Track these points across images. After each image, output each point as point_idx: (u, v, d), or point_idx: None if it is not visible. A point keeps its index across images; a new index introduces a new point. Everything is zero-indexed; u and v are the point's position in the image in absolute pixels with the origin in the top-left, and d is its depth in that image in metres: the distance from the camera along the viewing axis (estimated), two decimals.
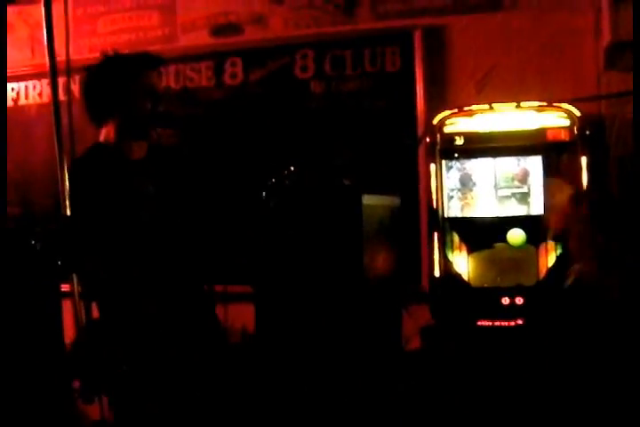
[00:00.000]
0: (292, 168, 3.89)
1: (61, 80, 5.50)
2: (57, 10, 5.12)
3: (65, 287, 4.24)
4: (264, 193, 3.91)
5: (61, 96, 5.37)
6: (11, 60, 5.89)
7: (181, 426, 3.22)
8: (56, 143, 3.43)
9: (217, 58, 5.42)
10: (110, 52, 3.37)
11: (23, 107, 5.95)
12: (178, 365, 3.21)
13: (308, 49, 5.18)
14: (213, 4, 5.46)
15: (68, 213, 3.30)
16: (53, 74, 3.46)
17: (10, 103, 5.96)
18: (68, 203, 3.32)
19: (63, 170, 3.32)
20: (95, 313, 3.37)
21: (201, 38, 5.49)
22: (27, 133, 5.78)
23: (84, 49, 5.70)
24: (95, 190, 3.16)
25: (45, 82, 5.65)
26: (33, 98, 5.89)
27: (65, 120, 4.28)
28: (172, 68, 5.48)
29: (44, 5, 4.17)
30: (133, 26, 5.67)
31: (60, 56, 5.09)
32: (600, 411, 3.63)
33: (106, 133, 3.33)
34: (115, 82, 3.27)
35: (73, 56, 5.45)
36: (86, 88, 3.40)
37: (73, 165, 3.36)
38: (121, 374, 3.14)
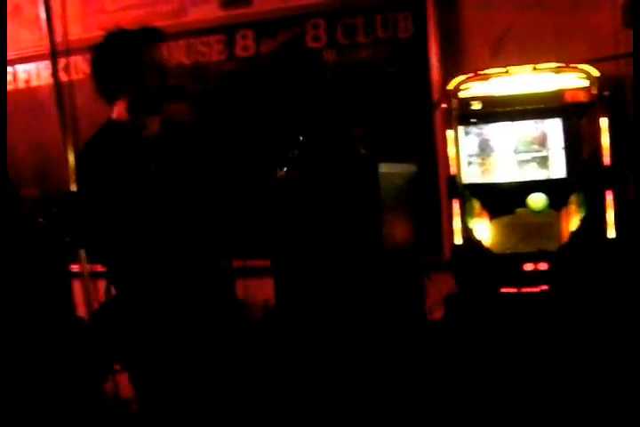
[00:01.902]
0: (301, 138, 3.83)
1: (73, 59, 5.53)
2: None
3: (75, 268, 4.26)
4: (276, 165, 3.87)
5: (72, 76, 5.38)
6: (21, 41, 5.89)
7: (204, 400, 3.20)
8: (59, 123, 3.39)
9: (227, 31, 5.36)
10: (114, 29, 3.34)
11: (36, 88, 5.91)
12: (195, 339, 3.18)
13: (320, 18, 5.11)
14: None
15: (74, 189, 3.26)
16: (53, 54, 3.42)
17: (22, 84, 5.94)
18: (75, 180, 3.27)
19: (67, 149, 3.28)
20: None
21: (210, 11, 5.42)
22: (40, 114, 5.75)
23: (93, 27, 5.64)
24: (106, 167, 3.14)
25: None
26: (45, 79, 5.84)
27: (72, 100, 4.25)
28: (182, 43, 5.42)
29: None
30: (141, 2, 5.60)
31: (71, 35, 5.08)
32: (630, 380, 3.59)
33: (118, 110, 3.31)
34: (120, 58, 3.24)
35: (82, 35, 5.45)
36: (93, 66, 3.37)
37: (85, 145, 3.32)
38: (134, 334, 3.13)
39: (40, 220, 3.04)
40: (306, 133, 4.00)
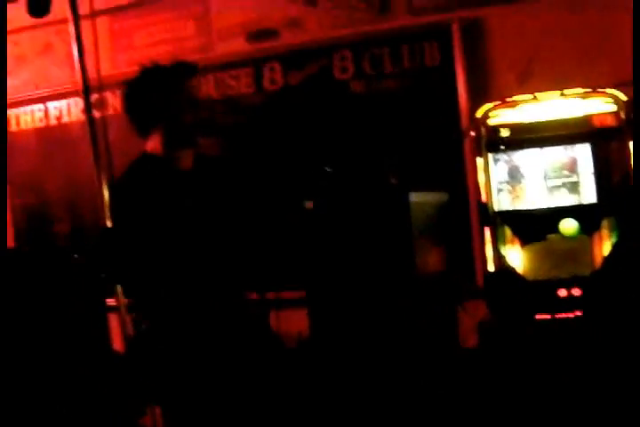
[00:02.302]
0: (328, 169, 3.86)
1: (104, 95, 5.61)
2: (96, 26, 5.19)
3: (110, 301, 4.29)
4: (304, 196, 3.90)
5: (103, 111, 5.45)
6: (52, 78, 5.98)
7: None
8: (93, 159, 3.43)
9: (255, 64, 5.42)
10: (148, 64, 3.39)
11: (68, 124, 5.99)
12: (229, 373, 3.19)
13: (346, 49, 5.15)
14: (248, 10, 5.44)
15: (109, 225, 3.29)
16: (86, 91, 3.47)
17: (54, 121, 6.03)
18: (108, 216, 3.31)
19: (101, 185, 3.32)
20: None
21: (238, 45, 5.48)
22: (72, 151, 5.82)
23: (123, 63, 5.74)
24: (142, 200, 3.17)
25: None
26: (76, 115, 5.91)
27: (107, 136, 4.30)
28: (210, 77, 5.49)
29: (74, 22, 4.19)
30: (170, 37, 5.68)
31: (101, 72, 5.14)
32: None
33: (152, 144, 3.35)
34: (155, 93, 3.28)
35: (112, 71, 5.52)
36: (128, 101, 3.41)
37: (120, 177, 3.36)
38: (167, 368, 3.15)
39: (75, 256, 3.07)
40: (334, 164, 4.02)
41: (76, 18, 3.69)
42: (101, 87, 4.94)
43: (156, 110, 3.30)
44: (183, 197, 3.26)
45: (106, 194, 3.28)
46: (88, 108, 3.37)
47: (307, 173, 4.32)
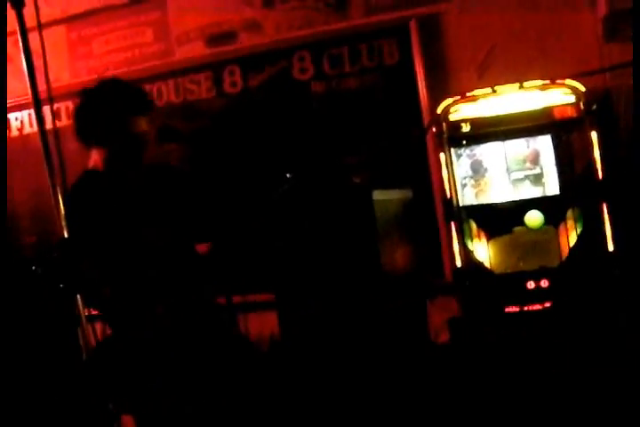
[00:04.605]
0: (288, 175, 3.85)
1: (64, 105, 5.58)
2: (53, 36, 5.16)
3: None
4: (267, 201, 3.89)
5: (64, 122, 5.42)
6: (12, 89, 5.93)
7: None
8: (47, 171, 3.39)
9: (215, 68, 5.39)
10: (106, 79, 3.34)
11: (29, 135, 5.94)
12: (199, 378, 3.17)
13: (305, 50, 5.15)
14: (205, 14, 5.42)
15: (66, 235, 3.26)
16: (37, 102, 3.43)
17: (15, 133, 5.98)
18: (65, 226, 3.28)
19: (57, 196, 3.29)
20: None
21: (197, 49, 5.46)
22: (35, 163, 5.76)
23: (83, 71, 5.69)
24: (90, 216, 3.14)
25: (47, 109, 5.63)
26: (36, 126, 5.86)
27: (64, 147, 4.24)
28: (171, 83, 5.46)
29: (20, 33, 4.15)
30: (128, 44, 5.65)
31: (59, 82, 5.12)
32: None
33: (94, 159, 3.28)
34: (103, 116, 3.22)
35: (72, 80, 5.49)
36: (79, 110, 3.35)
37: (71, 190, 3.30)
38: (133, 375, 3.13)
39: (34, 267, 3.05)
40: (295, 167, 4.01)
41: (23, 29, 3.65)
42: (54, 98, 4.90)
43: (101, 126, 3.23)
44: (131, 209, 3.21)
45: (61, 204, 3.24)
46: (39, 119, 3.32)
47: (269, 177, 4.30)
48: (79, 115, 3.32)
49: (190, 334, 3.21)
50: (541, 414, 3.85)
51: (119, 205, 3.18)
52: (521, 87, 4.27)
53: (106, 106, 3.21)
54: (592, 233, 4.11)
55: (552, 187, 4.25)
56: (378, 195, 4.00)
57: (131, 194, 3.26)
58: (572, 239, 4.15)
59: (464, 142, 4.37)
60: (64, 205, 3.30)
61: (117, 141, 3.22)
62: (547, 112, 4.25)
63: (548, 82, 4.25)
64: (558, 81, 4.24)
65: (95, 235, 3.10)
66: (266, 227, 3.97)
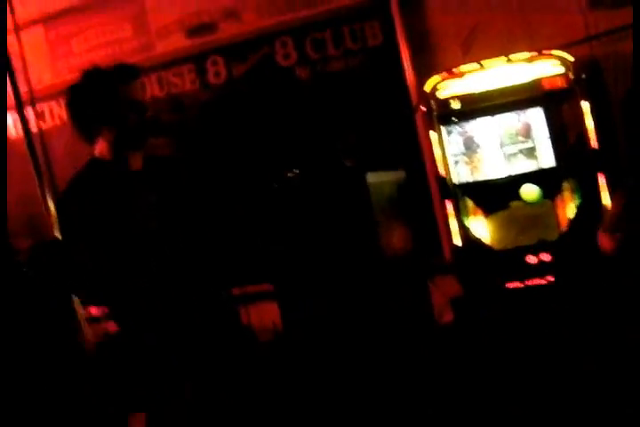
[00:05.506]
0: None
1: (46, 105, 5.53)
2: (32, 37, 5.10)
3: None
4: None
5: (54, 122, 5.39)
6: None
7: None
8: (35, 175, 3.37)
9: (197, 59, 5.35)
10: (89, 69, 3.32)
11: (18, 138, 5.88)
12: (204, 371, 3.15)
13: (287, 36, 5.09)
14: (184, 5, 5.37)
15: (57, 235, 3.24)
16: (19, 104, 3.39)
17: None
18: (55, 226, 3.26)
19: (45, 198, 3.26)
20: None
21: (177, 42, 5.41)
22: (25, 165, 5.71)
23: (64, 71, 5.63)
24: (94, 205, 3.12)
25: (30, 111, 5.60)
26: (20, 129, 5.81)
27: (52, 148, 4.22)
28: (154, 77, 5.41)
29: None
30: (108, 40, 5.60)
31: (42, 83, 5.07)
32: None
33: (99, 148, 3.28)
34: (98, 96, 3.22)
35: (54, 80, 5.44)
36: (71, 106, 3.34)
37: (70, 183, 3.30)
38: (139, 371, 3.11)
39: (25, 270, 3.01)
40: (287, 158, 3.99)
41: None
42: (36, 99, 4.87)
43: (99, 114, 3.23)
44: (137, 198, 3.21)
45: (51, 207, 3.21)
46: (23, 121, 3.28)
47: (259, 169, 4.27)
48: (74, 105, 3.29)
49: (195, 326, 3.18)
50: (546, 390, 3.82)
51: (122, 193, 3.17)
52: (508, 60, 4.22)
53: (97, 86, 3.20)
54: (590, 204, 4.07)
55: (546, 159, 4.20)
56: (371, 177, 3.96)
57: (134, 183, 3.25)
58: (570, 211, 4.11)
59: (454, 119, 4.32)
60: (61, 195, 3.29)
61: (119, 115, 3.20)
62: (536, 84, 4.19)
63: (535, 53, 4.19)
64: (545, 52, 4.18)
65: (96, 225, 3.08)
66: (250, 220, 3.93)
